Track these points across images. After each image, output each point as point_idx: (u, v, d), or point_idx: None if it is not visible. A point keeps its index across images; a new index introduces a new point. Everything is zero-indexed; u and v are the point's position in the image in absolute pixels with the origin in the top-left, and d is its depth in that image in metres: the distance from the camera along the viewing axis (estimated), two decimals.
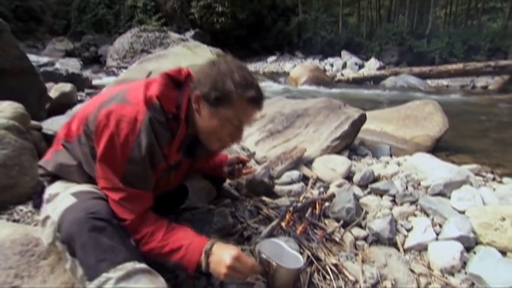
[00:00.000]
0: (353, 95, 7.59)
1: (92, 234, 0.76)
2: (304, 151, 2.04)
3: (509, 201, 1.65)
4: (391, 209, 1.59)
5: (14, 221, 1.27)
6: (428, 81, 9.72)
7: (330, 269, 1.16)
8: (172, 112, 0.91)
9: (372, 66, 11.82)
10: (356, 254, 1.28)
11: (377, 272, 1.17)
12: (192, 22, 15.67)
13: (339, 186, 1.77)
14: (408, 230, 1.47)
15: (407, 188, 1.83)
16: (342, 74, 10.80)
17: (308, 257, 1.19)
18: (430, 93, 8.09)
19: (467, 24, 16.42)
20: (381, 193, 1.75)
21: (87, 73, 6.89)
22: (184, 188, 1.29)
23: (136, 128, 0.83)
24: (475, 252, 1.33)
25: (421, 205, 1.61)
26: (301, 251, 1.21)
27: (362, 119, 2.48)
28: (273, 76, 10.37)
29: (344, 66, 12.49)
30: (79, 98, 3.11)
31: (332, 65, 12.72)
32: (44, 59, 4.23)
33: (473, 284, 1.19)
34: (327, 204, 1.56)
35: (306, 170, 1.96)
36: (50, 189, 0.95)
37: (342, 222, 1.45)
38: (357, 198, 1.61)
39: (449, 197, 1.69)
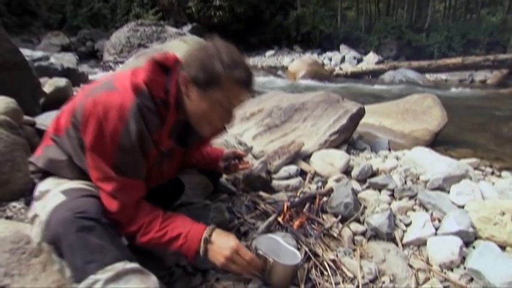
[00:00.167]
0: (351, 89, 7.58)
1: (80, 234, 0.74)
2: (302, 145, 2.02)
3: (509, 195, 1.65)
4: (389, 203, 1.58)
5: (7, 217, 1.25)
6: (427, 75, 9.71)
7: (328, 264, 1.14)
8: (160, 97, 0.89)
9: (370, 60, 11.81)
10: (354, 250, 1.27)
11: (375, 267, 1.16)
12: (189, 16, 15.54)
13: (337, 180, 1.76)
14: (407, 225, 1.46)
15: (406, 182, 1.81)
16: (341, 68, 10.77)
17: (306, 252, 1.17)
18: (429, 87, 8.09)
19: (466, 18, 16.34)
20: (379, 188, 1.73)
21: (83, 68, 6.79)
22: (180, 183, 1.27)
23: (124, 115, 0.81)
24: (474, 247, 1.32)
25: (420, 200, 1.59)
26: (299, 246, 1.20)
27: (360, 113, 2.45)
28: (271, 70, 10.33)
29: (343, 60, 12.46)
30: (74, 93, 3.07)
31: (330, 59, 12.67)
32: (38, 54, 4.14)
33: (472, 279, 1.18)
34: (324, 199, 1.54)
35: (303, 165, 1.94)
36: (41, 186, 0.93)
37: (340, 217, 1.44)
38: (355, 192, 1.60)
39: (449, 192, 1.68)
